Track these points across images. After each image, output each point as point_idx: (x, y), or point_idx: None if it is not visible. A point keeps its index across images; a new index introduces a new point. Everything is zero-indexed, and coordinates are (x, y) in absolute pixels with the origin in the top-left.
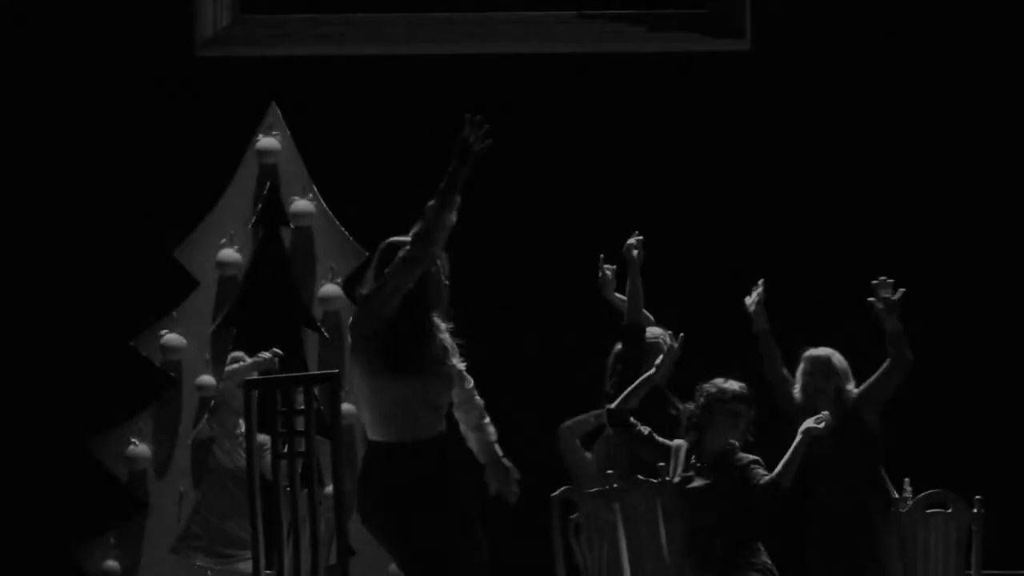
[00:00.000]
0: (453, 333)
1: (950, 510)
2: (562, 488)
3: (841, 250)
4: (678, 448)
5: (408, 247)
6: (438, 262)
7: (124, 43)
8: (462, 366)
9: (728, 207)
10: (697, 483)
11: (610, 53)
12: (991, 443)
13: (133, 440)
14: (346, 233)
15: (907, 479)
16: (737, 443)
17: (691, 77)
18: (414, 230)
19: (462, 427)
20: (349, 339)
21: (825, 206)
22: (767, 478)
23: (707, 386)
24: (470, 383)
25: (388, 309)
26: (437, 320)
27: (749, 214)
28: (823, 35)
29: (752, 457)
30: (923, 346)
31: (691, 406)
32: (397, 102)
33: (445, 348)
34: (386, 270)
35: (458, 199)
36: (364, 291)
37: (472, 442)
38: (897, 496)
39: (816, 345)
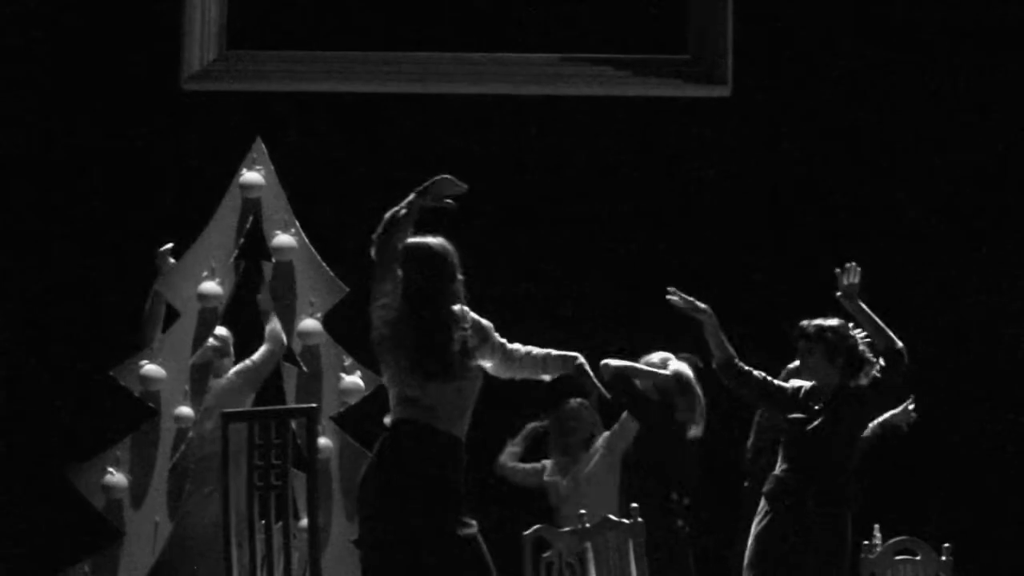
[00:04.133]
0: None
1: (919, 557)
2: (535, 527)
3: (823, 294)
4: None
5: None
6: (451, 259)
7: (110, 76)
8: (502, 340)
9: (709, 252)
10: (818, 421)
11: (592, 97)
12: (960, 490)
13: (110, 470)
14: (327, 268)
15: (876, 525)
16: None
17: (672, 123)
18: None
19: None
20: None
21: (805, 251)
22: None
23: (830, 332)
24: (507, 347)
25: (377, 314)
26: (458, 316)
27: (729, 259)
28: (804, 82)
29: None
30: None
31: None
32: (380, 139)
33: (467, 347)
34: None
35: (407, 211)
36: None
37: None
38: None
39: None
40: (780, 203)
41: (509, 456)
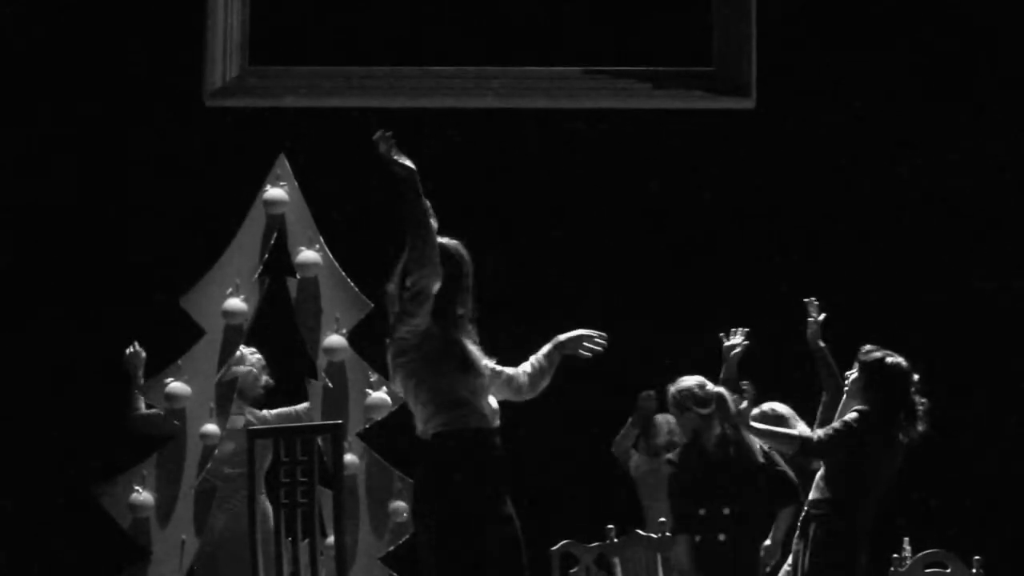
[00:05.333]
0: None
1: (949, 570)
2: (562, 542)
3: (843, 308)
4: None
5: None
6: (464, 267)
7: (133, 93)
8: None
9: (731, 264)
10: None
11: (616, 109)
12: (990, 503)
13: (136, 488)
14: (352, 284)
15: (906, 539)
16: None
17: (696, 135)
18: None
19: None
20: (391, 349)
21: (828, 264)
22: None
23: (874, 363)
24: (503, 374)
25: (412, 325)
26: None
27: (752, 271)
28: (828, 94)
29: None
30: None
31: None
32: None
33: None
34: (404, 294)
35: (422, 224)
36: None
37: (546, 364)
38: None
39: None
40: (804, 215)
41: (625, 439)
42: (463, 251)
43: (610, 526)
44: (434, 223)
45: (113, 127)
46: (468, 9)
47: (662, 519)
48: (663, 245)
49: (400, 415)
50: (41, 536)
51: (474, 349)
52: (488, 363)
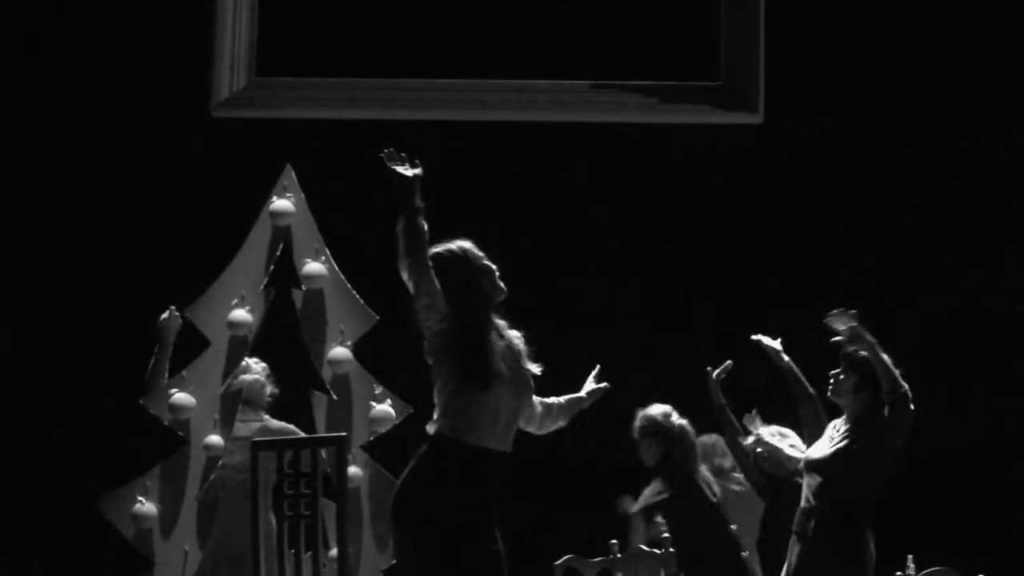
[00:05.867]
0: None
1: None
2: (566, 557)
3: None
4: None
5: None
6: (471, 270)
7: (141, 104)
8: (536, 370)
9: (738, 280)
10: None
11: (623, 123)
12: (994, 520)
13: (140, 499)
14: (357, 296)
15: (910, 556)
16: None
17: (703, 149)
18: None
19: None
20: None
21: (838, 278)
22: None
23: (867, 364)
24: (538, 407)
25: (424, 325)
26: (500, 326)
27: (759, 287)
28: (836, 110)
29: None
30: (927, 422)
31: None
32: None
33: (515, 353)
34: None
35: (409, 219)
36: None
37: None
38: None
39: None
40: (811, 230)
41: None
42: (471, 254)
43: (613, 541)
44: (422, 244)
45: (121, 137)
46: (475, 22)
47: (665, 534)
48: (668, 259)
49: (403, 427)
50: (45, 548)
51: (499, 364)
52: (528, 391)
